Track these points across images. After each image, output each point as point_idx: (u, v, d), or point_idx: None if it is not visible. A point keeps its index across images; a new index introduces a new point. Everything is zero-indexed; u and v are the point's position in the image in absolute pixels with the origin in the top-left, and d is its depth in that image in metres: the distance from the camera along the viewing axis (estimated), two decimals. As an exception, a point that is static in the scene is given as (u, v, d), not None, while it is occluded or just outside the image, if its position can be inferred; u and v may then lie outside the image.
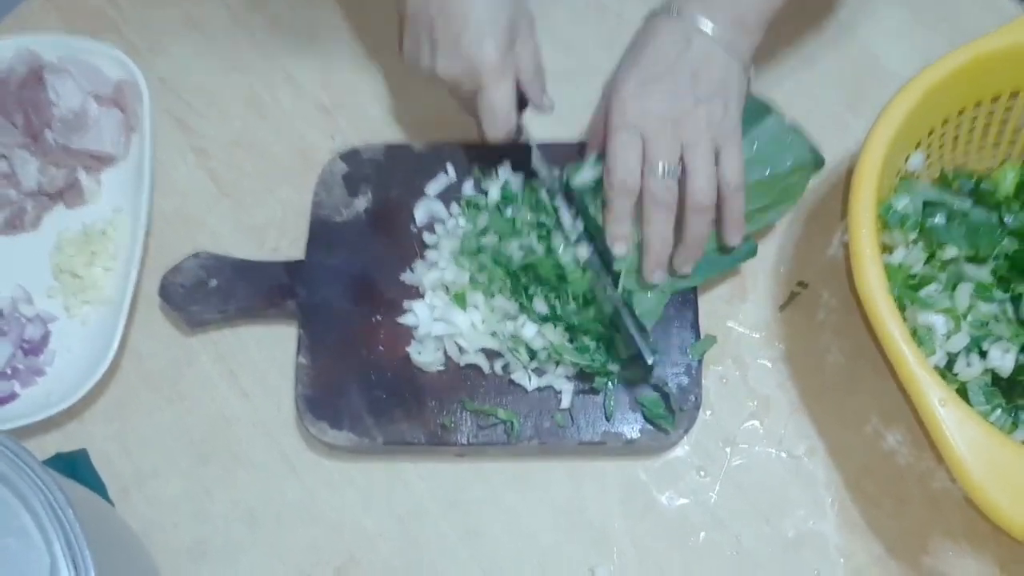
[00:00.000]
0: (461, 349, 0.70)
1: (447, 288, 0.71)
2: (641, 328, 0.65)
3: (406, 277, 0.73)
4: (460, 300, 0.70)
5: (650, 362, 0.63)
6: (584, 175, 0.69)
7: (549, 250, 0.69)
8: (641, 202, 0.65)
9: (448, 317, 0.70)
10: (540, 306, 0.68)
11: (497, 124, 0.67)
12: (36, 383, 0.73)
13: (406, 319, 0.72)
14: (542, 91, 0.70)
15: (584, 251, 0.67)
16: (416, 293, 0.73)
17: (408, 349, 0.70)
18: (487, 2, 0.64)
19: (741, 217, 0.66)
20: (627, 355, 0.66)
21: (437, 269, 0.72)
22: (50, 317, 0.75)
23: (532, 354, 0.68)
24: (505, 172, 0.75)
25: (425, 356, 0.70)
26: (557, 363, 0.69)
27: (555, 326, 0.68)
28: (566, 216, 0.69)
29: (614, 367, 0.68)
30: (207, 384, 0.74)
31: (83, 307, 0.76)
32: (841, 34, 0.83)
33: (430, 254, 0.74)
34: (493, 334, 0.70)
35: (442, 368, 0.70)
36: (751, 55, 0.66)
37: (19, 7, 0.90)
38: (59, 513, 0.51)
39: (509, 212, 0.72)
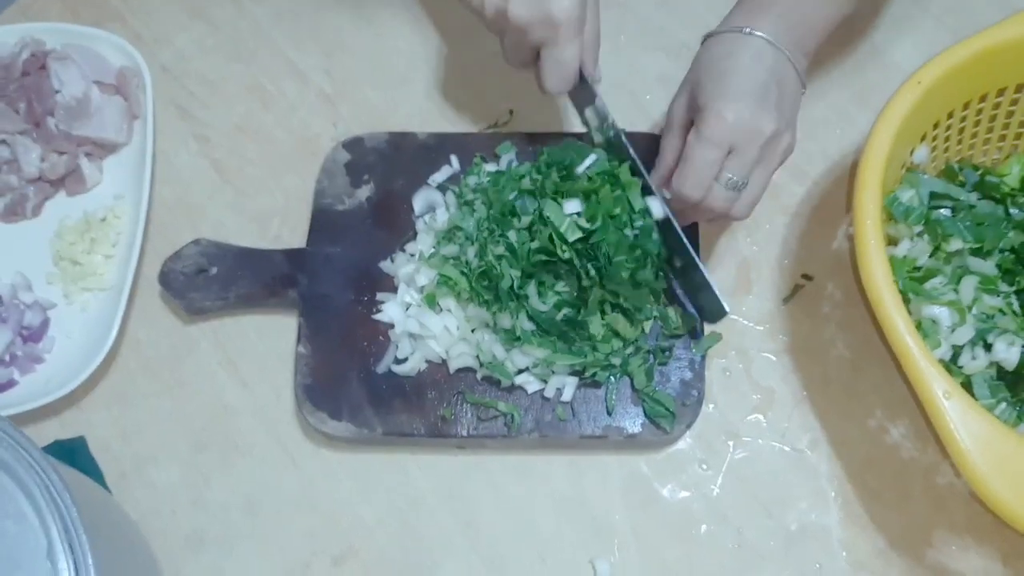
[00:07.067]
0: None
1: (422, 289, 0.70)
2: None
3: (384, 265, 0.72)
4: (430, 301, 0.68)
5: (727, 309, 0.65)
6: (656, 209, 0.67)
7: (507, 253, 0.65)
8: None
9: (420, 318, 0.68)
10: (504, 321, 0.66)
11: (563, 79, 0.65)
12: (35, 370, 0.73)
13: (380, 317, 0.71)
14: (595, 61, 0.68)
15: (658, 209, 0.66)
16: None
17: (378, 369, 0.69)
18: None
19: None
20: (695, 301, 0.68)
21: (413, 262, 0.71)
22: (49, 304, 0.75)
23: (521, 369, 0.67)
24: (504, 163, 0.75)
25: (404, 359, 0.68)
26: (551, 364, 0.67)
27: (534, 342, 0.65)
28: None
29: (616, 359, 0.67)
30: (206, 372, 0.73)
31: (83, 294, 0.75)
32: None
33: (409, 246, 0.73)
34: (469, 342, 0.68)
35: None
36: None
37: (24, -5, 0.90)
38: (56, 497, 0.51)
39: (479, 209, 0.69)
